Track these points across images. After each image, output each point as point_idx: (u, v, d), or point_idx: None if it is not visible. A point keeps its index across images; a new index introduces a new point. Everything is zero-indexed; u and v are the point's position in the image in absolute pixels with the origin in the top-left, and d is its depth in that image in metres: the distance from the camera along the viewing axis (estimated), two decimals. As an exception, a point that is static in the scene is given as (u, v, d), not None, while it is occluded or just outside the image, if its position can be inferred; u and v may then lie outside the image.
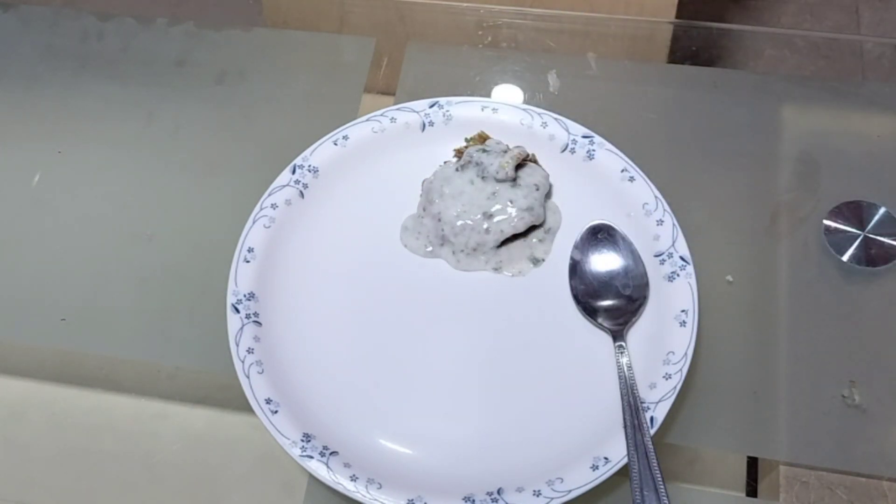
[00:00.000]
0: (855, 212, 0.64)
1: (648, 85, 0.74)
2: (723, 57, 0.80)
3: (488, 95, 0.72)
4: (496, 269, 0.61)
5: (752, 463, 0.60)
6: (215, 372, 0.58)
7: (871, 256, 0.62)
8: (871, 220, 0.64)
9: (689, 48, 0.77)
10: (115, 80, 0.75)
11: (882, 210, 0.64)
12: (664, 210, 0.61)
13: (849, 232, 0.63)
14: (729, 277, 0.62)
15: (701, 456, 0.60)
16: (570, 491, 0.52)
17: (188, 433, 0.61)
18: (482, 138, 0.65)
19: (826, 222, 0.64)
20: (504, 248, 0.62)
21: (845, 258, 0.62)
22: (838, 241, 0.63)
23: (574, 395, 0.56)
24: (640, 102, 0.72)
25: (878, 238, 0.63)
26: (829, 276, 0.62)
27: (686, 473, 0.59)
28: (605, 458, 0.52)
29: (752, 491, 0.59)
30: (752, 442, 0.57)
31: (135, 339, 0.62)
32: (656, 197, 0.62)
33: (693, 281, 0.58)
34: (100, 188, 0.69)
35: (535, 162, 0.64)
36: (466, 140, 0.65)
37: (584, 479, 0.52)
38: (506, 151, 0.62)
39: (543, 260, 0.62)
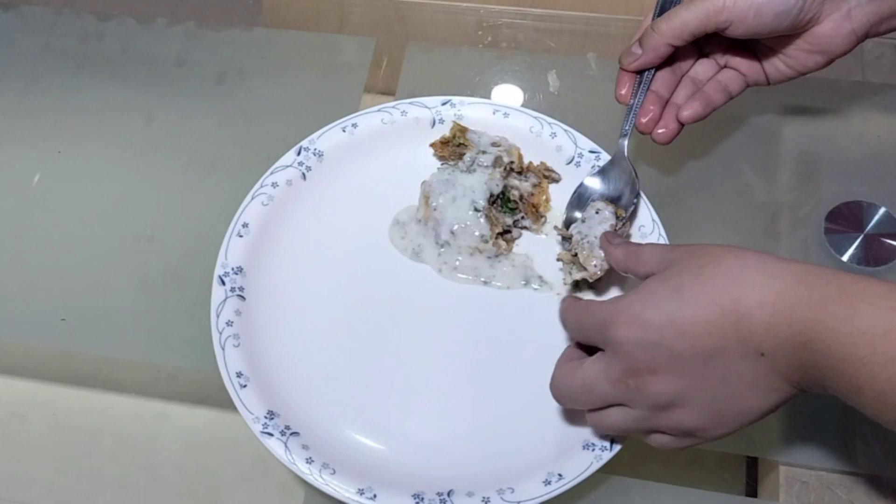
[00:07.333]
0: (855, 212, 0.64)
1: (648, 85, 0.74)
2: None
3: (488, 95, 0.72)
4: (485, 283, 0.61)
5: (752, 463, 0.60)
6: (215, 372, 0.58)
7: (871, 256, 0.62)
8: (871, 220, 0.64)
9: (689, 48, 0.76)
10: (115, 80, 0.76)
11: (882, 210, 0.64)
12: (660, 235, 0.60)
13: (849, 232, 0.63)
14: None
15: (701, 456, 0.60)
16: (518, 502, 0.51)
17: (188, 433, 0.61)
18: (461, 130, 0.64)
19: (826, 222, 0.64)
20: (499, 265, 0.61)
21: (845, 258, 0.62)
22: (838, 241, 0.63)
23: (537, 409, 0.55)
24: (640, 102, 0.72)
25: (878, 238, 0.63)
26: (829, 276, 0.62)
27: (686, 474, 0.59)
28: (560, 475, 0.52)
29: (752, 491, 0.59)
30: (752, 442, 0.57)
31: (135, 339, 0.62)
32: (654, 221, 0.60)
33: None
34: (100, 188, 0.69)
35: (521, 162, 0.63)
36: (443, 139, 0.65)
37: (535, 493, 0.52)
38: (521, 175, 0.62)
39: (535, 288, 0.61)
